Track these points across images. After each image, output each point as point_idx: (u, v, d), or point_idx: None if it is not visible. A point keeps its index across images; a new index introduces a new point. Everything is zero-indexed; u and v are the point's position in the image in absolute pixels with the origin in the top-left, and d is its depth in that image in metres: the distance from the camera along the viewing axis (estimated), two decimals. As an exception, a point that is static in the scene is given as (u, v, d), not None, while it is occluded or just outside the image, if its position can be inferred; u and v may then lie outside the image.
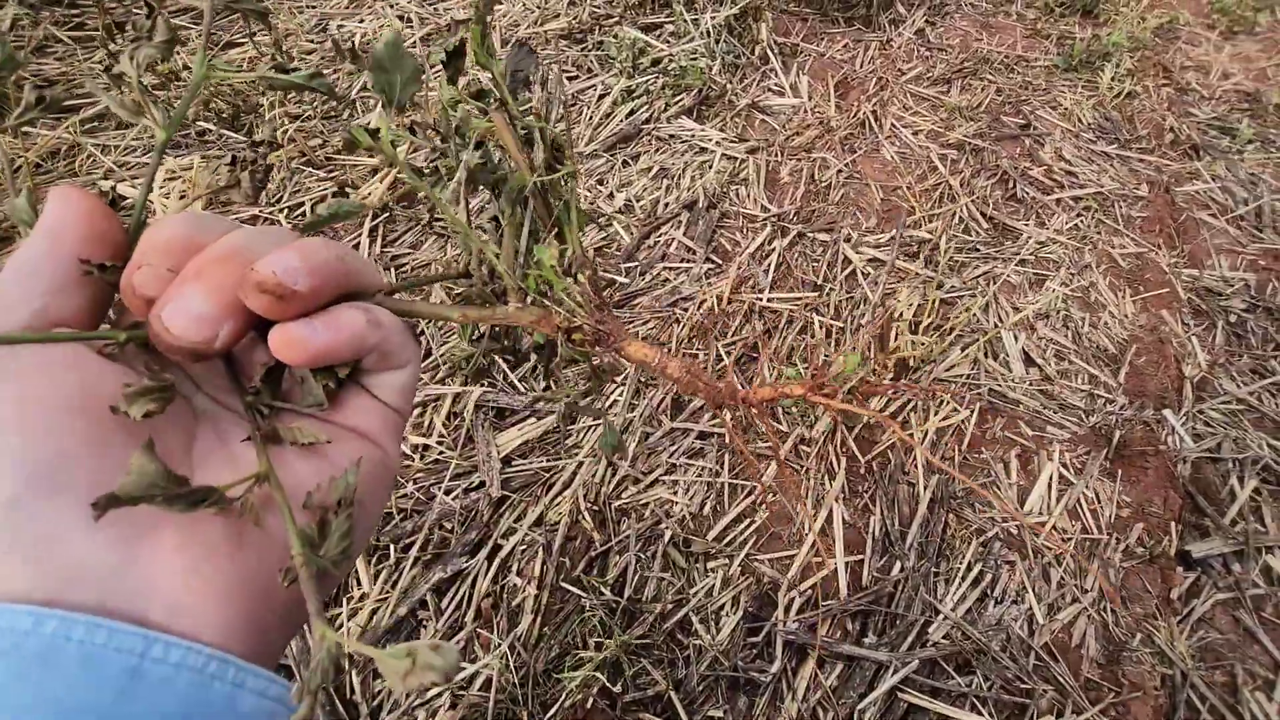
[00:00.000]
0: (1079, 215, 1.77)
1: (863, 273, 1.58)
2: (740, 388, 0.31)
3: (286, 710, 0.23)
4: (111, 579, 0.22)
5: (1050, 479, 1.25)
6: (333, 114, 1.83)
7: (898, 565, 1.13)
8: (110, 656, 0.20)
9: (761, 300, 1.53)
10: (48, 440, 0.22)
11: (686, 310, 1.51)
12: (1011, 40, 2.32)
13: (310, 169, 1.70)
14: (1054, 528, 1.19)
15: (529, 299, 0.32)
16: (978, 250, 1.66)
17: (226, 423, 0.28)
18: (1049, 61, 2.24)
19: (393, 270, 1.54)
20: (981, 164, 1.87)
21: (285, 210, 1.64)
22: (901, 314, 1.48)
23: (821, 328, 1.46)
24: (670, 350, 1.41)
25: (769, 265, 1.61)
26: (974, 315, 1.51)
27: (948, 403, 1.34)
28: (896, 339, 1.41)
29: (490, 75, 0.29)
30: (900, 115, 2.00)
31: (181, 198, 1.40)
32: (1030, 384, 1.40)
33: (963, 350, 1.43)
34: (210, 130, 1.74)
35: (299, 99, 1.74)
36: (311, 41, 1.91)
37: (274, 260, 0.25)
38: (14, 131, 1.70)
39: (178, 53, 1.80)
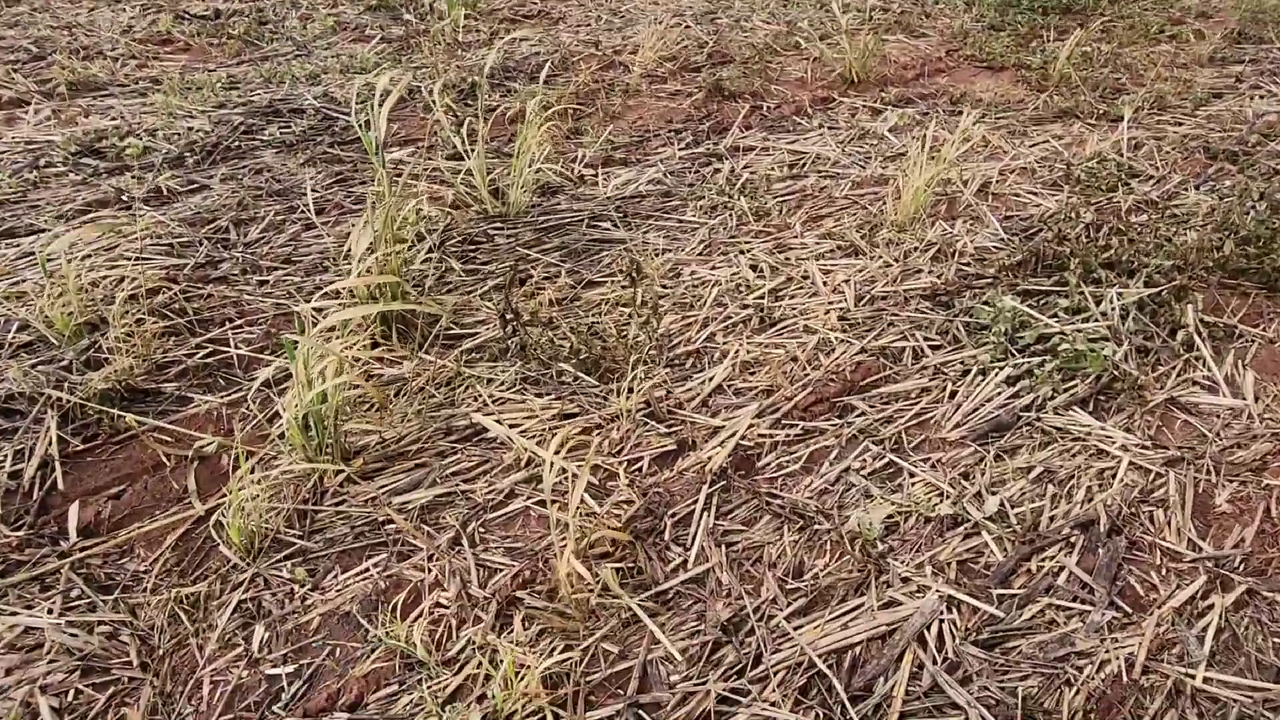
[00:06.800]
0: None
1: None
2: None
3: None
4: None
5: None
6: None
7: None
8: None
9: (1194, 680, 1.16)
10: None
11: (1082, 670, 1.20)
12: None
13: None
14: None
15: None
16: None
17: None
18: None
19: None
20: None
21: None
22: None
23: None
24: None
25: (1204, 628, 1.24)
26: None
27: None
28: None
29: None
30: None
31: (559, 451, 1.39)
32: None
33: None
34: (567, 371, 1.86)
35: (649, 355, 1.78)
36: (664, 286, 2.00)
37: None
38: (415, 357, 1.97)
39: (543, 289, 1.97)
